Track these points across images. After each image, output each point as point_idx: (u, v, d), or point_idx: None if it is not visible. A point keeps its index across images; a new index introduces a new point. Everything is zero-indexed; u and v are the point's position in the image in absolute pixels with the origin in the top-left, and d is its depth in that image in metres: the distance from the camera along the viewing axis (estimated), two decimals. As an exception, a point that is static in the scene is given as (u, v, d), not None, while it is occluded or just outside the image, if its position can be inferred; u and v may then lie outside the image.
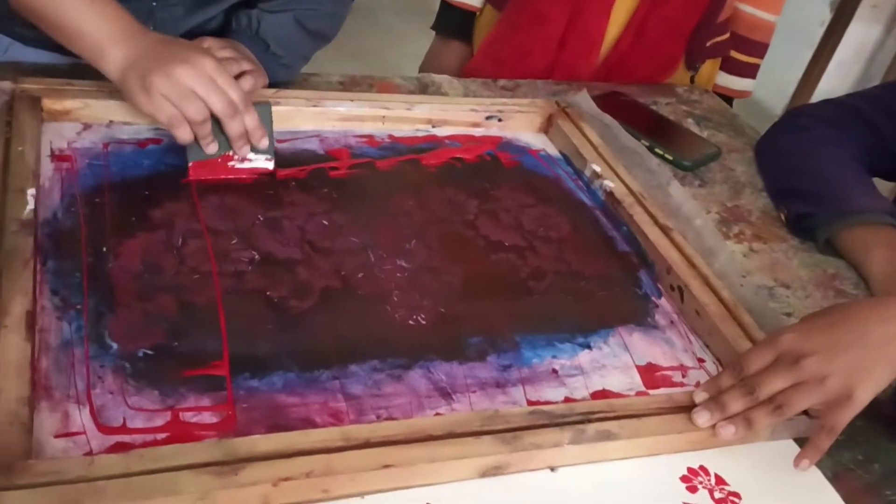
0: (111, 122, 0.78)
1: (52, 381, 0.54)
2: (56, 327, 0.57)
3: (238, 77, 0.81)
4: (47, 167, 0.71)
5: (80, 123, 0.77)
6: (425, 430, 0.54)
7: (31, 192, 0.65)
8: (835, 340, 0.60)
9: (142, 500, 0.46)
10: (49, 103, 0.76)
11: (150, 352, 0.58)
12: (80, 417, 0.52)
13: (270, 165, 0.77)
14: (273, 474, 0.49)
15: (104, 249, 0.65)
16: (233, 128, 0.72)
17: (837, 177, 0.90)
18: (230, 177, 0.75)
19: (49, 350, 0.56)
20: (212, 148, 0.73)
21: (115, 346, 0.57)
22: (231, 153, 0.75)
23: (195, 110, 0.70)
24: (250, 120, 0.73)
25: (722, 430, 0.59)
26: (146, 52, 0.70)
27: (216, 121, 0.72)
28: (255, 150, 0.75)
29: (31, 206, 0.64)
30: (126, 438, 0.51)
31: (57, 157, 0.73)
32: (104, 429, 0.52)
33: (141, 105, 0.70)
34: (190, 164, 0.73)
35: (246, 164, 0.76)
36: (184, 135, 0.71)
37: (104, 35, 0.70)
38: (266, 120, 0.76)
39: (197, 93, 0.69)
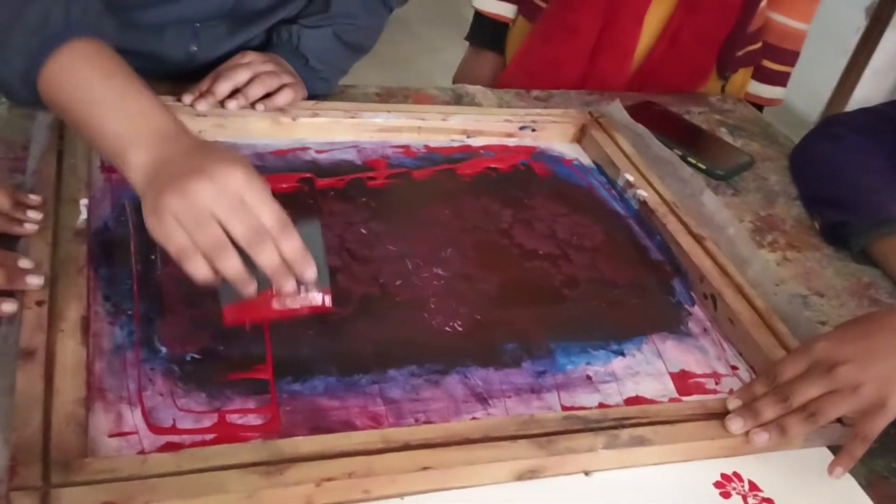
0: (158, 134, 0.81)
1: (105, 383, 0.56)
2: (109, 332, 0.60)
3: (278, 90, 0.84)
4: (98, 178, 0.74)
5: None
6: (462, 433, 0.55)
7: (83, 202, 0.68)
8: (869, 348, 0.60)
9: (192, 497, 0.48)
10: (99, 116, 0.79)
11: (197, 356, 0.60)
12: (133, 418, 0.54)
13: (327, 301, 0.59)
14: (316, 474, 0.51)
15: (153, 257, 0.67)
16: (263, 259, 0.55)
17: (872, 185, 0.90)
18: (275, 317, 0.60)
19: (102, 353, 0.58)
20: (248, 290, 0.56)
21: (164, 350, 0.60)
22: (272, 290, 0.57)
23: (209, 241, 0.54)
24: (289, 247, 0.56)
25: (755, 437, 0.60)
26: (172, 162, 0.56)
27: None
28: (300, 283, 0.58)
29: (83, 215, 0.67)
30: (176, 438, 0.54)
31: (107, 168, 0.76)
32: (155, 429, 0.54)
33: (151, 230, 0.56)
34: (224, 308, 0.58)
35: (293, 304, 0.59)
36: (199, 272, 0.55)
37: (129, 136, 0.57)
38: (314, 243, 0.58)
39: (216, 216, 0.54)
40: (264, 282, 0.56)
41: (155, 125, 0.58)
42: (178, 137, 0.58)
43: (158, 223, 0.55)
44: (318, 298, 0.59)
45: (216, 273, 0.55)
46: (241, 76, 0.83)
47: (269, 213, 0.56)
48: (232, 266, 0.55)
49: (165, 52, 0.85)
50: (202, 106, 0.81)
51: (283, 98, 0.84)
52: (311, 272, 0.57)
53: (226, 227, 0.54)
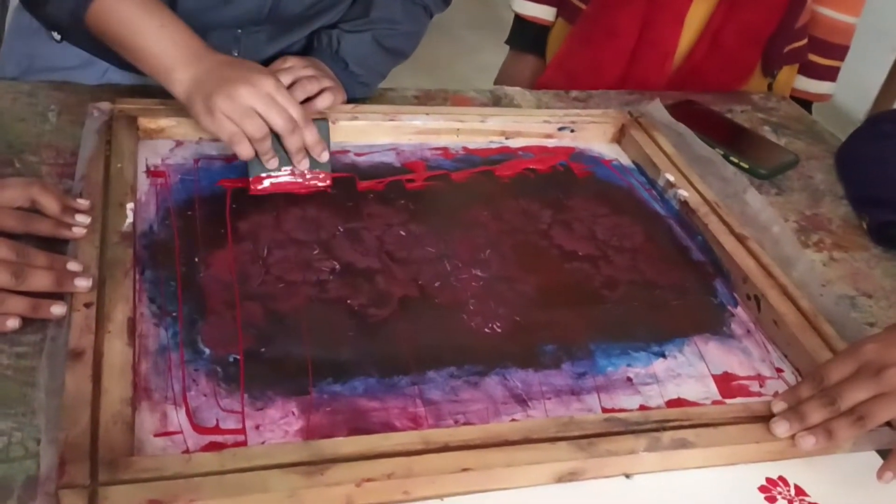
0: (200, 138, 0.83)
1: (151, 383, 0.57)
2: (154, 333, 0.61)
3: (318, 94, 0.84)
4: (143, 182, 0.76)
5: (172, 141, 0.82)
6: (502, 435, 0.55)
7: (129, 206, 0.69)
8: (919, 351, 0.59)
9: (235, 496, 0.49)
10: (144, 122, 0.81)
11: (239, 357, 0.61)
12: (177, 418, 0.55)
13: (328, 182, 0.79)
14: (356, 475, 0.51)
15: (196, 260, 0.68)
16: (292, 143, 0.75)
17: (923, 184, 0.88)
18: (289, 190, 0.77)
19: (148, 354, 0.59)
20: (272, 164, 0.76)
21: (207, 351, 0.60)
22: (290, 169, 0.77)
23: (255, 128, 0.73)
24: (310, 135, 0.76)
25: (801, 441, 0.58)
26: (210, 74, 0.73)
27: (276, 137, 0.75)
28: (313, 164, 0.78)
29: (130, 219, 0.68)
30: (219, 438, 0.54)
31: (152, 172, 0.77)
32: (199, 429, 0.55)
33: (205, 125, 0.74)
34: (251, 179, 0.76)
35: (301, 178, 0.78)
36: (244, 151, 0.74)
37: (172, 58, 0.74)
38: (324, 135, 0.78)
39: (257, 111, 0.72)
40: (283, 162, 0.76)
41: (189, 47, 0.74)
42: (207, 56, 0.74)
43: (212, 119, 0.72)
44: (321, 179, 0.79)
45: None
46: (283, 81, 0.84)
47: (295, 109, 0.74)
48: (267, 145, 0.74)
49: None
50: None
51: (323, 102, 0.85)
52: (325, 154, 0.78)
53: (266, 119, 0.73)
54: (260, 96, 0.72)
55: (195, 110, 0.74)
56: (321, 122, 0.79)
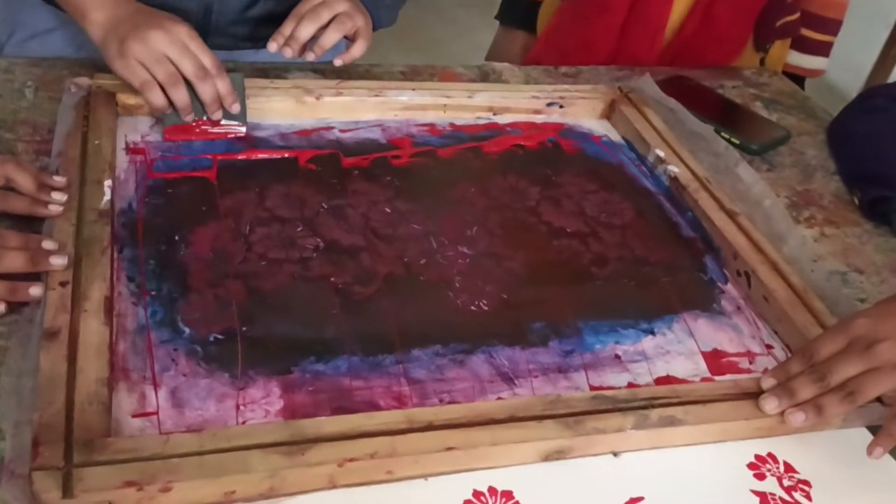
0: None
1: (129, 363, 0.56)
2: (132, 312, 0.60)
3: (352, 36, 0.85)
4: (122, 159, 0.74)
5: (152, 117, 0.80)
6: (488, 413, 0.54)
7: (107, 183, 0.68)
8: (910, 326, 0.58)
9: (214, 477, 0.48)
10: (124, 98, 0.79)
11: (220, 336, 0.59)
12: (156, 398, 0.54)
13: (243, 130, 0.79)
14: (339, 455, 0.50)
15: (176, 238, 0.67)
16: (204, 91, 0.75)
17: (915, 159, 0.86)
18: (203, 138, 0.78)
19: (126, 334, 0.58)
20: (189, 118, 0.76)
21: (187, 330, 0.59)
22: (204, 118, 0.77)
23: (166, 74, 0.73)
24: (222, 85, 0.76)
25: (791, 418, 0.58)
26: (126, 18, 0.73)
27: (190, 90, 0.75)
28: (227, 115, 0.78)
29: (107, 196, 0.67)
30: (198, 418, 0.53)
31: (131, 149, 0.76)
32: (178, 409, 0.54)
33: (117, 70, 0.74)
34: (165, 128, 0.76)
35: (217, 129, 0.78)
36: (156, 99, 0.74)
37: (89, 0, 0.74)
38: (238, 88, 0.78)
39: (169, 57, 0.72)
40: (197, 113, 0.76)
41: None
42: (129, 1, 0.75)
43: (125, 64, 0.72)
44: (235, 127, 0.79)
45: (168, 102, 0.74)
46: (323, 17, 0.83)
47: (208, 58, 0.74)
48: (182, 94, 0.74)
49: (181, 1, 0.85)
50: (289, 53, 0.82)
51: (356, 50, 0.86)
52: (236, 106, 0.77)
53: (177, 66, 0.73)
54: (173, 42, 0.72)
55: (109, 54, 0.73)
56: (235, 74, 0.79)
